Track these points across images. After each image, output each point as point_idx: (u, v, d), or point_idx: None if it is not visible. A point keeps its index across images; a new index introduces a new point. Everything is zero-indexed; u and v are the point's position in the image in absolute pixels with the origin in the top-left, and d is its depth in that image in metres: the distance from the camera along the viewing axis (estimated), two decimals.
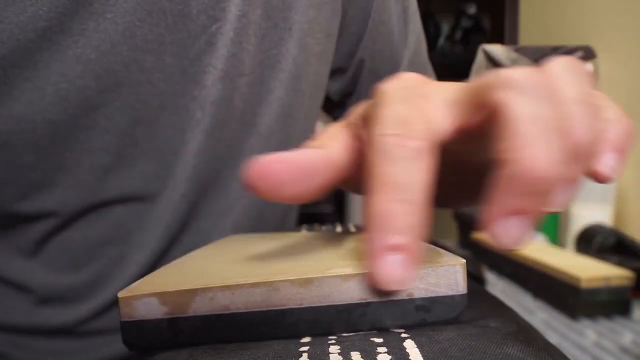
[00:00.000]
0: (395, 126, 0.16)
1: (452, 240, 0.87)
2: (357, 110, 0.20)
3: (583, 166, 0.16)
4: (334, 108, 0.46)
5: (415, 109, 0.17)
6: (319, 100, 0.39)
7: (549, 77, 0.16)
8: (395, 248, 0.15)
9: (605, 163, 0.16)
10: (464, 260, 0.16)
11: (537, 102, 0.15)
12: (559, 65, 0.16)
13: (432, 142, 0.16)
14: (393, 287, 0.15)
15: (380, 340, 0.15)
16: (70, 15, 0.25)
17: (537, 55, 0.76)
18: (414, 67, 0.44)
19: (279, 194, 0.17)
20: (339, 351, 0.15)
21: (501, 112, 0.15)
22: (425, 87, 0.18)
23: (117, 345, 0.32)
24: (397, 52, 0.42)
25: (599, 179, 0.17)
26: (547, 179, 0.14)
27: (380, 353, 0.14)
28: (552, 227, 0.74)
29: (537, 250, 0.58)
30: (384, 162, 0.16)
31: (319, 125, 0.41)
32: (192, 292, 0.16)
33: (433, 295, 0.16)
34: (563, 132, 0.15)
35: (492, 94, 0.15)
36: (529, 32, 0.98)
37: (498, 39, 1.05)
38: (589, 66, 0.75)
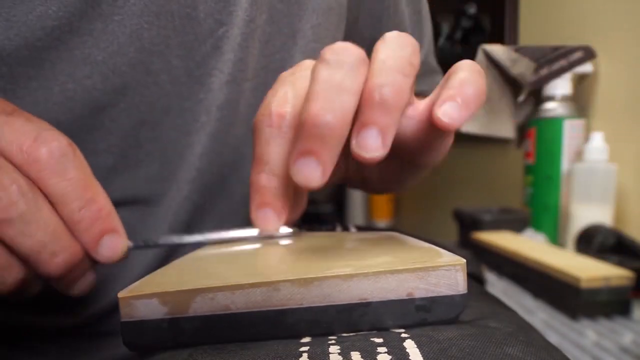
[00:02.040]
0: (266, 107, 0.21)
1: (452, 240, 0.87)
2: None
3: (393, 115, 0.18)
4: None
5: (290, 90, 0.21)
6: None
7: (352, 48, 0.19)
8: (263, 205, 0.21)
9: (444, 110, 0.18)
10: (464, 260, 0.16)
11: (332, 68, 0.18)
12: (387, 35, 0.20)
13: (278, 120, 0.21)
14: (266, 229, 0.22)
15: (380, 340, 0.15)
16: (79, 15, 0.25)
17: (537, 55, 0.76)
18: (425, 68, 0.44)
19: None
20: (339, 351, 0.15)
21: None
22: (306, 70, 0.22)
23: (122, 346, 0.32)
24: None
25: (437, 124, 0.19)
26: (323, 126, 0.17)
27: (380, 353, 0.14)
28: (552, 227, 0.74)
29: (537, 250, 0.58)
30: (256, 139, 0.21)
31: None
32: (193, 292, 0.16)
33: (433, 295, 0.16)
34: (347, 90, 0.18)
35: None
36: (529, 32, 0.98)
37: (498, 39, 1.05)
38: (588, 66, 0.75)
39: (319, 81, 0.18)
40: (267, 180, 0.21)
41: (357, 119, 0.18)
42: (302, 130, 0.18)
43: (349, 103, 0.18)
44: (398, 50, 0.19)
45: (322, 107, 0.18)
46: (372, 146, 0.18)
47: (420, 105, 0.22)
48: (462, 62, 0.20)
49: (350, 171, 0.29)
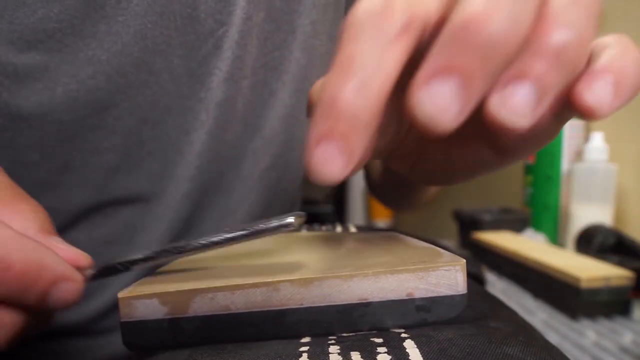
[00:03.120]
0: (373, 3, 0.14)
1: (452, 240, 0.87)
2: None
3: (564, 75, 0.13)
4: None
5: None
6: None
7: None
8: (333, 136, 0.13)
9: (594, 90, 0.13)
10: (464, 260, 0.16)
11: None
12: None
13: (414, 23, 0.14)
14: (321, 180, 0.13)
15: (380, 340, 0.15)
16: (82, 18, 0.25)
17: None
18: None
19: None
20: (338, 351, 0.15)
21: None
22: None
23: (121, 345, 0.32)
24: None
25: (581, 109, 0.14)
26: (490, 34, 0.12)
27: (380, 353, 0.14)
28: (552, 227, 0.74)
29: (537, 250, 0.58)
30: (351, 40, 0.13)
31: None
32: (192, 293, 0.16)
33: (433, 295, 0.16)
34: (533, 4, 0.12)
35: None
36: None
37: None
38: None
39: None
40: (354, 95, 0.13)
41: (511, 65, 0.13)
42: (450, 36, 0.12)
43: (528, 14, 0.12)
44: None
45: (491, 9, 0.12)
46: (522, 109, 0.13)
47: None
48: (607, 37, 0.15)
49: (408, 143, 0.21)
